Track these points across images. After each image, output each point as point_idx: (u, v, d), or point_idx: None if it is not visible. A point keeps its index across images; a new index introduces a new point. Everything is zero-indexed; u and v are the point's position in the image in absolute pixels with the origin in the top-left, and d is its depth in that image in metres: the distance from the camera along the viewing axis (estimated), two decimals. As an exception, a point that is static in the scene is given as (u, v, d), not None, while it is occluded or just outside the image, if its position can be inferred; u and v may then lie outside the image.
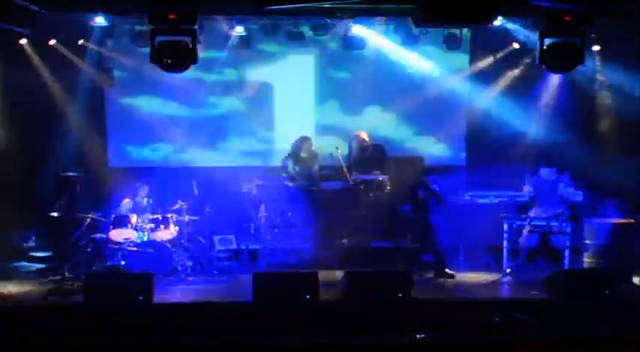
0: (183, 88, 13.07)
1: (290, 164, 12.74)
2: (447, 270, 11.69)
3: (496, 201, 12.75)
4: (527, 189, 12.12)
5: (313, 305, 10.12)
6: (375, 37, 12.99)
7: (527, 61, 13.03)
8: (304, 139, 12.84)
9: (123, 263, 11.27)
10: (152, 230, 11.59)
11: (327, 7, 10.88)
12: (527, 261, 12.03)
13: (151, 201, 12.13)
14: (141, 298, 9.98)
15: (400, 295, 10.21)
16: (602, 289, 10.42)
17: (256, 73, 13.54)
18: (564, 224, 11.49)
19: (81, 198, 11.91)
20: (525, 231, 11.69)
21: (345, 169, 12.62)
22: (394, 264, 12.28)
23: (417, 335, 9.48)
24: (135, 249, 11.39)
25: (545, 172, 12.01)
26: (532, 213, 11.88)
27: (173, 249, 11.59)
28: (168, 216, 11.77)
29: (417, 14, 9.90)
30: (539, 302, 10.44)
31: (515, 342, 9.16)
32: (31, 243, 12.49)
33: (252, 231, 12.79)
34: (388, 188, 12.75)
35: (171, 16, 10.23)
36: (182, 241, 11.87)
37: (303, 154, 12.79)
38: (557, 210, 11.65)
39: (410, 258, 12.03)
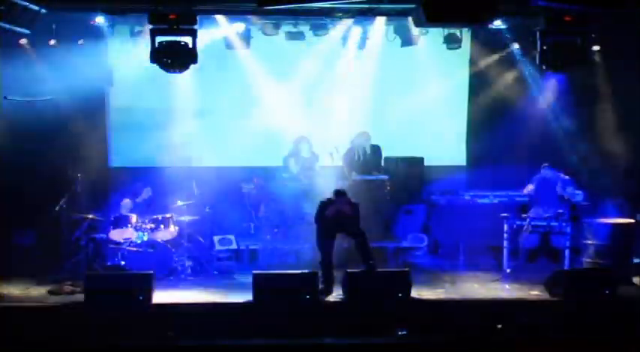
0: (182, 87, 13.07)
1: (291, 163, 12.74)
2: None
3: (496, 201, 12.78)
4: (530, 187, 12.10)
5: (313, 305, 10.12)
6: (374, 37, 12.99)
7: (527, 60, 13.03)
8: (304, 139, 12.84)
9: (123, 263, 11.28)
10: (152, 230, 11.59)
11: (327, 7, 10.88)
12: (527, 261, 12.03)
13: (152, 201, 12.13)
14: (141, 298, 9.98)
15: (400, 295, 10.21)
16: (602, 289, 10.41)
17: (256, 73, 13.52)
18: (564, 224, 11.49)
19: (81, 198, 11.91)
20: (525, 231, 11.69)
21: (345, 169, 12.61)
22: (394, 264, 12.33)
23: (399, 332, 9.52)
24: (135, 249, 11.40)
25: (546, 172, 12.00)
26: (532, 213, 11.88)
27: (173, 249, 11.59)
28: (168, 216, 11.77)
29: (417, 14, 9.91)
30: (539, 302, 10.44)
31: (516, 342, 9.18)
32: (31, 243, 12.50)
33: (252, 231, 12.80)
34: (388, 188, 12.74)
35: (172, 16, 10.24)
36: (182, 241, 11.87)
37: (303, 154, 12.79)
38: (558, 210, 11.65)
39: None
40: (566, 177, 12.04)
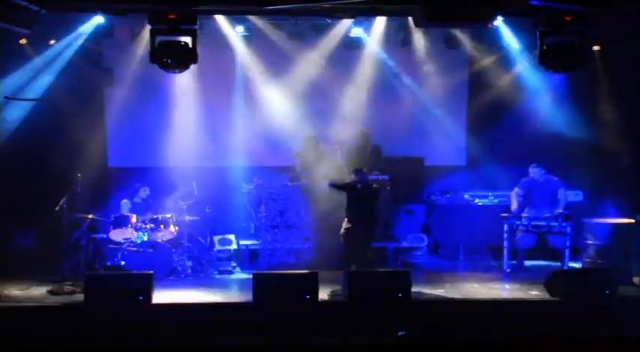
0: (182, 87, 13.08)
1: (298, 163, 12.75)
2: None
3: (496, 201, 12.79)
4: (516, 190, 12.08)
5: (313, 305, 10.12)
6: (374, 37, 12.99)
7: (527, 61, 13.02)
8: (311, 138, 12.84)
9: (123, 263, 11.29)
10: (152, 230, 11.60)
11: (327, 7, 10.88)
12: (524, 261, 12.03)
13: (150, 201, 12.15)
14: (141, 298, 9.98)
15: (400, 295, 10.22)
16: (602, 289, 10.41)
17: (256, 73, 13.52)
18: (564, 224, 11.49)
19: (81, 198, 11.92)
20: (520, 232, 11.69)
21: (345, 169, 12.60)
22: (394, 264, 12.34)
23: (399, 332, 9.55)
24: (135, 249, 11.41)
25: (534, 172, 11.99)
26: (527, 214, 11.88)
27: (173, 249, 11.60)
28: (168, 216, 11.78)
29: (417, 14, 9.91)
30: (539, 302, 10.44)
31: (515, 342, 9.18)
32: (31, 243, 12.50)
33: (252, 231, 12.80)
34: (388, 188, 12.74)
35: (171, 16, 10.24)
36: (182, 241, 11.88)
37: (311, 153, 12.79)
38: (554, 210, 11.66)
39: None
40: (555, 177, 12.05)
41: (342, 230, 11.23)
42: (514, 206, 12.02)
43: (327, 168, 12.60)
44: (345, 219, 11.24)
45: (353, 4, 10.72)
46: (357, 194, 11.19)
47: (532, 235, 11.83)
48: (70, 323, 9.72)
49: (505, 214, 11.85)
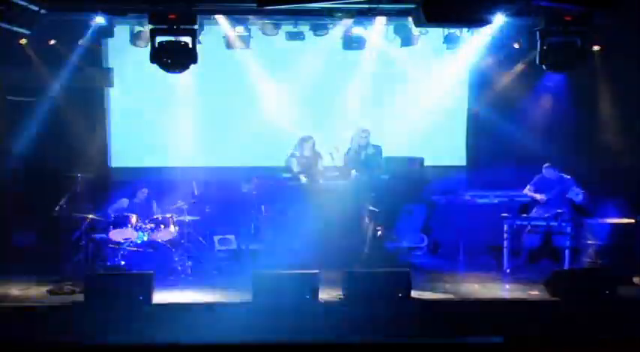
0: (182, 87, 13.08)
1: (293, 163, 12.73)
2: None
3: (496, 201, 12.80)
4: (529, 190, 12.10)
5: (313, 305, 10.12)
6: (374, 37, 13.00)
7: (528, 61, 13.02)
8: (307, 139, 12.81)
9: (123, 263, 11.28)
10: (152, 230, 11.58)
11: (327, 7, 10.88)
12: (528, 261, 12.04)
13: (149, 201, 12.14)
14: (141, 298, 9.98)
15: (400, 295, 10.22)
16: (602, 289, 10.42)
17: (256, 73, 13.53)
18: (564, 224, 11.49)
19: (81, 198, 11.92)
20: (526, 232, 11.69)
21: (345, 168, 12.60)
22: (394, 264, 12.33)
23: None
24: (135, 249, 11.40)
25: (549, 172, 12.00)
26: (534, 213, 11.88)
27: (173, 249, 11.59)
28: (168, 216, 11.77)
29: (417, 14, 9.92)
30: (539, 302, 10.44)
31: (515, 342, 9.18)
32: (31, 243, 12.49)
33: (252, 231, 12.79)
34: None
35: (171, 16, 10.25)
36: (182, 241, 11.87)
37: (306, 153, 12.78)
38: (557, 210, 11.66)
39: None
40: (568, 176, 12.04)
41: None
42: (533, 195, 12.09)
43: (325, 169, 12.63)
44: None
45: (353, 4, 10.74)
46: None
47: (536, 235, 11.83)
48: (70, 323, 9.72)
49: (505, 214, 11.85)
